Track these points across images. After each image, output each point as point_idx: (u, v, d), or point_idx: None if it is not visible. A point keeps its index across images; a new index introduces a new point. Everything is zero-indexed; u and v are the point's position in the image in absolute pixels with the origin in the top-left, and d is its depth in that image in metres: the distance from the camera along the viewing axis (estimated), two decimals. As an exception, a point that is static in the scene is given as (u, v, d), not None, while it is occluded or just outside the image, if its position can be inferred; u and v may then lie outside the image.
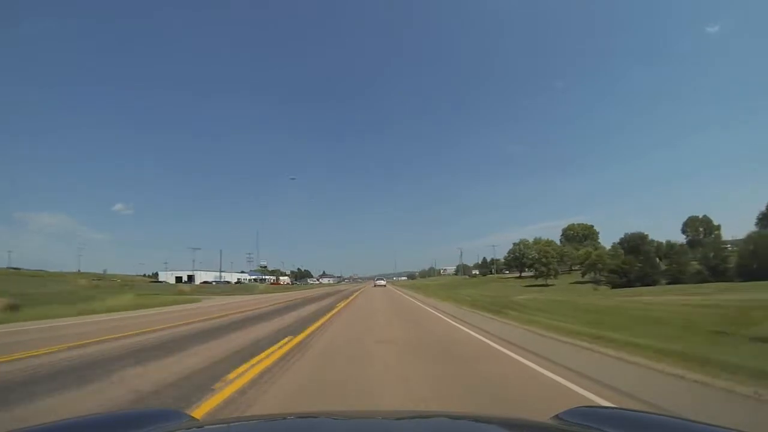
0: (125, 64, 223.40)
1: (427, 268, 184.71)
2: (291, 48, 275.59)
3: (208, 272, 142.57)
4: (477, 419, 1.49)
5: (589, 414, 1.33)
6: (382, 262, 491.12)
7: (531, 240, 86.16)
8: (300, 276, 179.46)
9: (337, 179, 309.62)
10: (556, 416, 1.32)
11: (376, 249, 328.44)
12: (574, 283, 71.90)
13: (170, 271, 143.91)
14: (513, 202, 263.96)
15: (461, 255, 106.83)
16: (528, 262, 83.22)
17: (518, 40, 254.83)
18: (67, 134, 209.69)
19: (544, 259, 73.18)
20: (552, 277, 73.56)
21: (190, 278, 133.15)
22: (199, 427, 1.40)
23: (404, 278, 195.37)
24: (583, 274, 75.15)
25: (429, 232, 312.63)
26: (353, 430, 1.30)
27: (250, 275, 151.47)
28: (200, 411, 3.72)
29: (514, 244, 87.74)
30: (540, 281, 74.31)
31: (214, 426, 1.55)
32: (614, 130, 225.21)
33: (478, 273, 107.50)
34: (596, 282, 54.58)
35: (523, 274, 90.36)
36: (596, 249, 75.72)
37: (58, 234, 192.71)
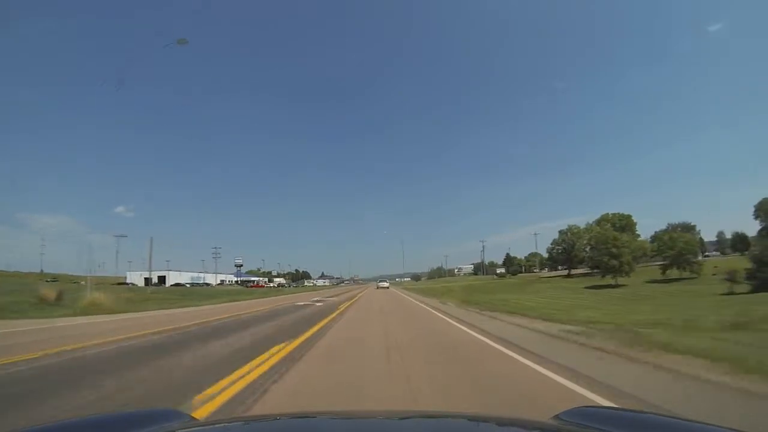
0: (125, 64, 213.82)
1: (434, 267, 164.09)
2: (291, 48, 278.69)
3: (185, 273, 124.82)
4: (477, 419, 1.48)
5: (589, 414, 1.32)
6: (385, 263, 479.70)
7: (582, 226, 65.40)
8: (297, 277, 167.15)
9: (338, 180, 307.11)
10: (556, 416, 1.30)
11: (378, 250, 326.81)
12: (652, 282, 51.44)
13: (138, 271, 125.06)
14: (516, 202, 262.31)
15: (483, 249, 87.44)
16: (580, 256, 62.76)
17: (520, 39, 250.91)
18: (67, 134, 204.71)
19: (614, 250, 52.30)
20: (624, 274, 52.84)
21: (161, 279, 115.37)
22: (199, 427, 1.40)
23: (407, 279, 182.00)
24: (665, 269, 54.47)
25: (431, 233, 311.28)
26: (353, 430, 1.30)
27: (237, 276, 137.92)
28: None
29: (561, 232, 67.20)
30: (606, 280, 53.57)
31: (214, 426, 1.54)
32: (617, 128, 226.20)
33: (503, 272, 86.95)
34: (732, 280, 34.22)
35: (560, 271, 70.32)
36: (685, 236, 54.90)
37: (58, 235, 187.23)
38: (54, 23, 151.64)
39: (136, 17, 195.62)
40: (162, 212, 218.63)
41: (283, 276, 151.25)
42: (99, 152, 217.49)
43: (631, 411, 1.70)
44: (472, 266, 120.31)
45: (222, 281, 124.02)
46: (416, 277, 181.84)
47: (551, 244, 68.93)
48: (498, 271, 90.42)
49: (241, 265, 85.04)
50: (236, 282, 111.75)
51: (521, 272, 79.65)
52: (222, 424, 1.52)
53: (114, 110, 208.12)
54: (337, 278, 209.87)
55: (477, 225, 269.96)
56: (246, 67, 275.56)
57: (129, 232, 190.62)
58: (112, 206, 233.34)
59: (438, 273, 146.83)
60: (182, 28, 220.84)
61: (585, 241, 62.35)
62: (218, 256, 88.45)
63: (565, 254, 65.21)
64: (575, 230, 65.21)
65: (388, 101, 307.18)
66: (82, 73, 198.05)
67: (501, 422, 1.39)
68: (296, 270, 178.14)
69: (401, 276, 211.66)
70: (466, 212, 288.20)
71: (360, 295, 38.53)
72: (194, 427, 1.36)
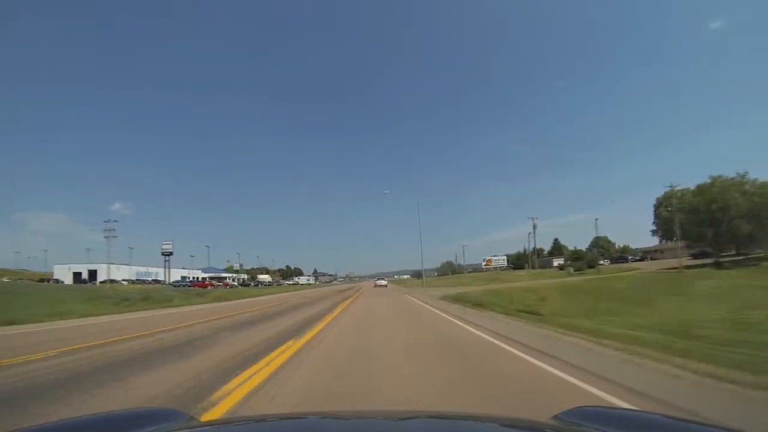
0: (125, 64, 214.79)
1: (444, 261, 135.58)
2: (291, 48, 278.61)
3: (133, 267, 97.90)
4: (477, 419, 1.48)
5: (588, 414, 1.31)
6: (383, 261, 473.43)
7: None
8: (289, 274, 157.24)
9: (336, 179, 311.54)
10: (556, 416, 1.30)
11: (376, 249, 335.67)
12: None
13: (68, 264, 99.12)
14: (518, 200, 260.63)
15: (534, 230, 58.07)
16: (742, 228, 34.82)
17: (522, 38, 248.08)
18: (65, 134, 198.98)
19: None
20: None
21: (93, 275, 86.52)
22: (199, 427, 1.39)
23: (407, 277, 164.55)
24: None
25: (432, 231, 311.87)
26: (353, 430, 1.29)
27: (205, 272, 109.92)
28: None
29: (699, 187, 38.84)
30: None
31: (214, 426, 1.54)
32: (614, 127, 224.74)
33: (562, 263, 58.52)
34: None
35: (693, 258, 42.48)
36: None
37: (54, 234, 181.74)
38: (54, 23, 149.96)
39: (135, 17, 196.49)
40: (160, 211, 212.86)
41: (271, 273, 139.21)
42: (97, 152, 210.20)
43: (630, 411, 1.60)
44: (504, 258, 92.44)
45: (183, 277, 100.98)
46: (418, 275, 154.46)
47: (685, 213, 40.27)
48: (555, 262, 62.31)
49: (171, 253, 56.67)
50: (204, 279, 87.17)
51: (608, 262, 51.53)
52: (222, 425, 1.49)
53: (113, 109, 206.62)
54: (330, 275, 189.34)
55: (478, 224, 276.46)
56: (246, 67, 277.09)
57: (126, 230, 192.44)
58: (108, 204, 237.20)
59: (451, 268, 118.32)
60: (182, 28, 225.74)
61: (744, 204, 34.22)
62: (113, 235, 60.00)
63: (713, 226, 36.63)
64: (726, 183, 36.58)
65: (388, 101, 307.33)
66: (81, 72, 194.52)
67: (501, 422, 1.38)
68: (287, 266, 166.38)
69: (399, 273, 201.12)
70: (467, 211, 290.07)
71: (337, 312, 13.36)
72: (194, 427, 1.34)
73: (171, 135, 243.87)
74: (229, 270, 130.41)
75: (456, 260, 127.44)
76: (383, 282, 57.27)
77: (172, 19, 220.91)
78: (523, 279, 43.10)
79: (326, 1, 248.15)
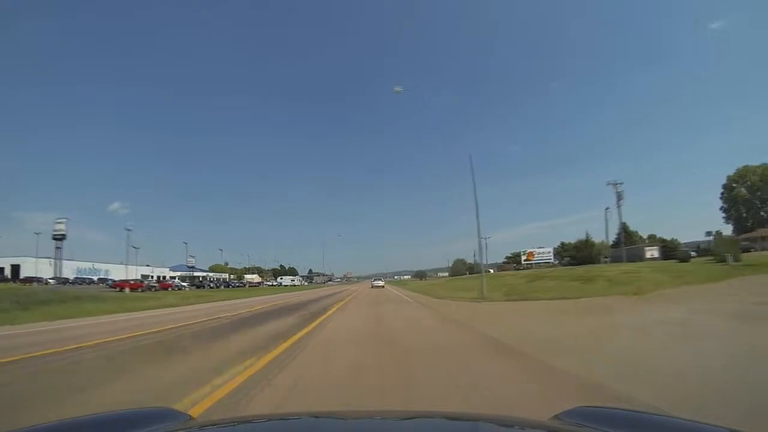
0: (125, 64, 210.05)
1: (457, 259, 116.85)
2: (289, 47, 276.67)
3: (74, 261, 77.76)
4: (477, 419, 1.47)
5: (589, 414, 1.31)
6: (382, 262, 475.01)
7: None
8: (282, 274, 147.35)
9: (335, 179, 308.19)
10: (556, 416, 1.30)
11: (375, 250, 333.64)
12: None
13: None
14: (517, 201, 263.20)
15: (619, 204, 39.59)
16: None
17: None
18: (63, 133, 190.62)
19: None
20: None
21: (15, 270, 70.82)
22: (198, 427, 1.39)
23: (407, 277, 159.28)
24: None
25: (432, 232, 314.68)
26: (353, 430, 1.29)
27: (173, 270, 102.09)
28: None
29: None
30: None
31: (213, 426, 1.54)
32: (614, 129, 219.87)
33: (672, 252, 39.04)
34: None
35: None
36: None
37: (49, 233, 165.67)
38: (53, 22, 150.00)
39: (135, 17, 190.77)
40: (159, 211, 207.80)
41: (264, 272, 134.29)
42: (95, 151, 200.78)
43: (630, 411, 1.63)
44: (550, 251, 73.52)
45: (146, 276, 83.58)
46: (421, 274, 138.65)
47: None
48: (649, 253, 42.75)
49: (63, 237, 36.17)
50: (175, 278, 70.79)
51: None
52: (221, 425, 1.54)
53: (111, 108, 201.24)
54: (325, 275, 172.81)
55: (475, 223, 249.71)
56: (246, 67, 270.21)
57: (123, 230, 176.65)
58: (105, 204, 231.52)
59: (466, 267, 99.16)
60: (182, 28, 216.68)
61: None
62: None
63: None
64: None
65: (388, 101, 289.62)
66: (80, 72, 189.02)
67: (501, 422, 1.38)
68: (281, 266, 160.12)
69: (399, 274, 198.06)
70: (467, 211, 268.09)
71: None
72: (193, 427, 1.35)
73: (170, 134, 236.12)
74: (215, 269, 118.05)
75: (474, 257, 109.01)
76: (380, 283, 55.13)
77: (171, 17, 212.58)
78: (658, 277, 24.20)
79: (326, 1, 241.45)
